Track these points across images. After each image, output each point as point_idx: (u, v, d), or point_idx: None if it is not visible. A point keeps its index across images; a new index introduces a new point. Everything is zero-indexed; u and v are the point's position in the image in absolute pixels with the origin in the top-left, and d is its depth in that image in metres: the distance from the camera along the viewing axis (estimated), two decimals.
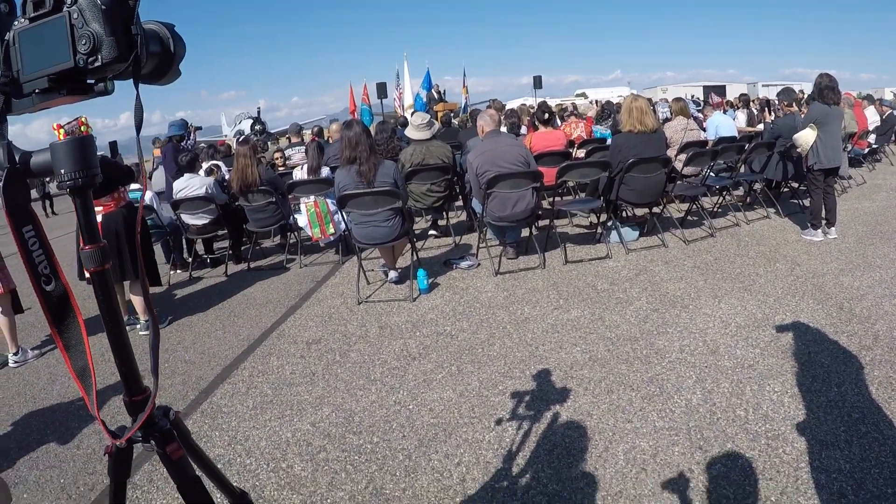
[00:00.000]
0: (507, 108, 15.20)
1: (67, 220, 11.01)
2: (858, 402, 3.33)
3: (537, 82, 28.31)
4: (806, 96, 12.14)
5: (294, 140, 12.55)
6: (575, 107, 18.96)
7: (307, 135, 14.04)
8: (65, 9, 1.03)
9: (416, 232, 7.81)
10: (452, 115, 17.80)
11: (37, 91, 1.08)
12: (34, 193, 29.84)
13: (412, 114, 10.50)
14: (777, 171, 8.21)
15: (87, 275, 1.16)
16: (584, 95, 46.00)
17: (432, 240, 8.12)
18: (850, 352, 3.96)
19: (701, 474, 2.85)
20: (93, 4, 1.01)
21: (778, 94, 9.10)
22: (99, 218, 5.09)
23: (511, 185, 6.11)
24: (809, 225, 6.85)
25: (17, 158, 1.12)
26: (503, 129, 8.65)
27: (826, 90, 6.58)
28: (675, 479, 2.84)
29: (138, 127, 1.09)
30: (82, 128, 1.14)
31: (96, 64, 1.02)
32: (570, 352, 4.30)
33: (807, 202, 7.36)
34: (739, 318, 4.66)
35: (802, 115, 7.44)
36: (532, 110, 13.02)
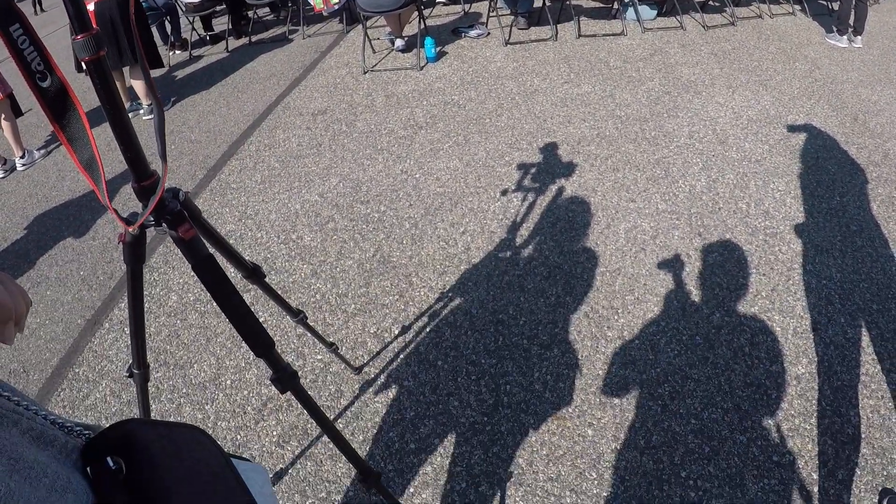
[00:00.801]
0: None
1: (58, 15, 10.22)
2: (858, 216, 3.38)
3: None
4: None
5: None
6: None
7: None
8: None
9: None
10: None
11: None
12: None
13: None
14: None
15: (84, 66, 1.05)
16: None
17: (440, 7, 7.66)
18: (857, 164, 3.95)
19: (697, 260, 2.94)
20: None
21: None
22: (91, 7, 4.79)
23: None
24: (835, 29, 6.55)
25: None
26: None
27: None
28: (672, 262, 2.93)
29: None
30: None
31: None
32: (578, 127, 4.24)
33: (836, 5, 6.97)
34: (752, 112, 4.57)
35: None
36: None
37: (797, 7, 7.66)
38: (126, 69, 5.46)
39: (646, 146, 3.99)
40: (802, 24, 7.13)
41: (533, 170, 3.73)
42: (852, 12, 6.40)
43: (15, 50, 1.04)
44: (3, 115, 5.00)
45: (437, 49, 5.83)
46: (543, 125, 4.28)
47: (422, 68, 5.59)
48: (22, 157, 5.18)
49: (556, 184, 3.56)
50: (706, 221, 3.22)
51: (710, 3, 7.35)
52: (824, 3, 8.06)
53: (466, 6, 7.45)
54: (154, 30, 7.29)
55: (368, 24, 6.04)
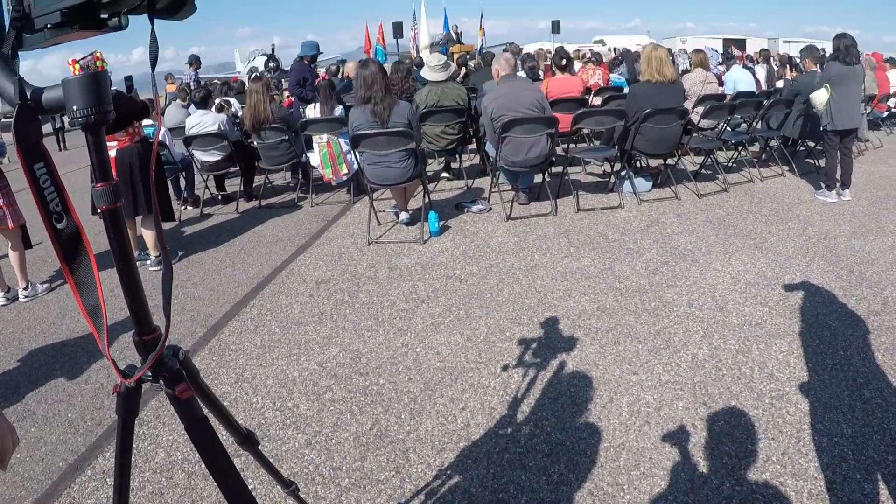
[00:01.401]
0: (524, 52, 14.92)
1: (80, 155, 10.93)
2: (864, 367, 3.34)
3: (555, 27, 27.73)
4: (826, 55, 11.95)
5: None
6: (593, 53, 18.65)
7: (321, 73, 13.90)
8: None
9: (429, 174, 7.74)
10: (468, 56, 17.56)
11: (49, 26, 1.03)
12: (47, 128, 29.81)
13: (429, 53, 10.34)
14: (794, 129, 8.10)
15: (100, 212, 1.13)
16: (602, 42, 45.03)
17: (444, 182, 8.07)
18: (858, 316, 3.96)
19: (703, 430, 2.88)
20: None
21: (801, 51, 8.92)
22: (113, 153, 5.09)
23: (526, 130, 6.04)
24: (824, 185, 6.80)
25: (28, 95, 1.08)
26: (521, 73, 8.53)
27: (843, 50, 6.45)
28: (677, 434, 2.87)
29: (153, 63, 1.05)
30: (97, 62, 1.10)
31: None
32: (578, 300, 4.31)
33: (822, 162, 7.28)
34: (749, 275, 4.65)
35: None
36: (549, 55, 12.81)
37: (786, 168, 8.00)
38: (139, 218, 5.66)
39: (646, 317, 4.03)
40: (792, 185, 7.39)
41: (534, 345, 3.76)
42: (838, 167, 6.65)
43: (36, 188, 1.10)
44: (12, 245, 5.12)
45: (441, 223, 6.08)
46: (544, 299, 4.36)
47: (425, 242, 5.79)
48: (25, 289, 5.24)
49: (558, 358, 3.58)
50: (710, 389, 3.19)
51: (703, 171, 7.67)
52: (811, 161, 8.42)
53: (469, 181, 7.84)
54: (169, 184, 7.66)
55: (375, 196, 6.30)
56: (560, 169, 7.14)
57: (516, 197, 6.72)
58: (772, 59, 14.68)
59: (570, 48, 19.42)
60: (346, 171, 7.11)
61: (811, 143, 8.68)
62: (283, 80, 15.28)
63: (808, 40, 31.11)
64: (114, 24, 1.06)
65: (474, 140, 8.67)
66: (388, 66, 8.01)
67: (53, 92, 1.08)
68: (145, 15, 1.04)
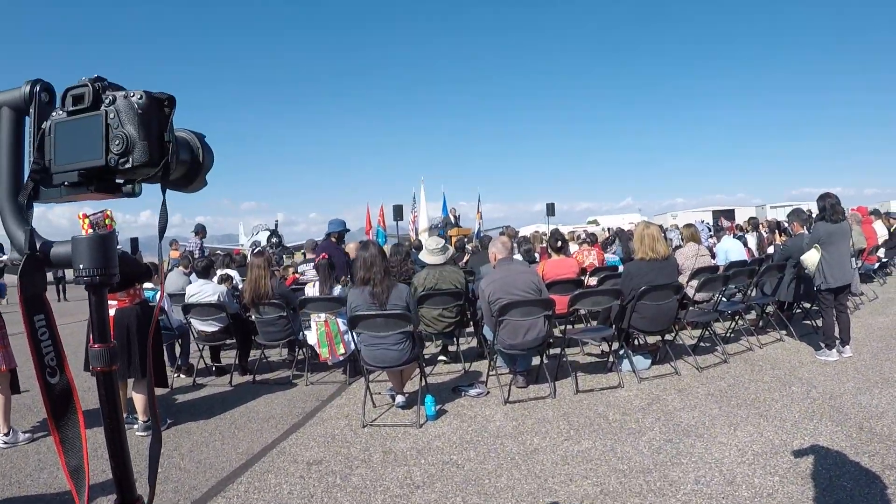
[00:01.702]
0: (521, 234, 15.38)
1: (79, 308, 10.96)
2: None
3: (550, 209, 28.75)
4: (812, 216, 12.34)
5: (309, 256, 12.65)
6: (588, 234, 19.20)
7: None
8: (102, 107, 1.05)
9: (426, 356, 7.74)
10: (466, 240, 18.08)
11: (66, 183, 1.09)
12: (49, 276, 30.61)
13: (427, 236, 10.65)
14: (789, 293, 8.21)
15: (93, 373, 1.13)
16: (595, 222, 46.53)
17: (442, 365, 8.03)
18: (872, 473, 3.83)
19: None
20: (129, 107, 1.04)
21: (788, 215, 9.23)
22: (112, 312, 5.13)
23: (523, 313, 6.11)
24: (823, 345, 6.79)
25: (38, 246, 1.12)
26: (518, 256, 8.74)
27: (829, 209, 6.70)
28: None
29: (162, 232, 1.10)
30: (107, 221, 1.15)
31: (127, 165, 1.04)
32: (580, 485, 4.16)
33: (820, 322, 7.32)
34: (756, 446, 4.52)
35: None
36: (545, 237, 13.18)
37: (784, 332, 8.00)
38: (130, 380, 5.56)
39: (652, 498, 3.88)
40: (792, 348, 7.37)
41: None
42: (836, 325, 6.66)
43: (34, 339, 1.09)
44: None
45: (437, 407, 5.95)
46: (544, 485, 4.20)
47: (421, 426, 5.65)
48: (6, 435, 5.04)
49: None
50: None
51: (702, 344, 7.66)
52: (808, 322, 8.43)
53: (467, 364, 7.77)
54: (164, 350, 7.50)
55: (371, 377, 6.20)
56: (558, 350, 7.12)
57: (514, 380, 6.65)
58: (760, 226, 15.11)
59: (564, 229, 19.99)
60: (343, 350, 7.10)
61: (807, 305, 8.77)
62: (284, 257, 15.60)
63: (794, 203, 32.10)
64: (128, 191, 1.12)
65: (472, 323, 8.74)
66: (387, 248, 8.23)
67: (62, 247, 1.12)
68: (157, 184, 1.11)
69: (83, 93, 1.07)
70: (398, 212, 25.56)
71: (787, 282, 8.13)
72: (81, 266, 1.09)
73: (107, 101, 1.06)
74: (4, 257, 1.12)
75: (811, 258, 6.69)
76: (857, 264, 9.21)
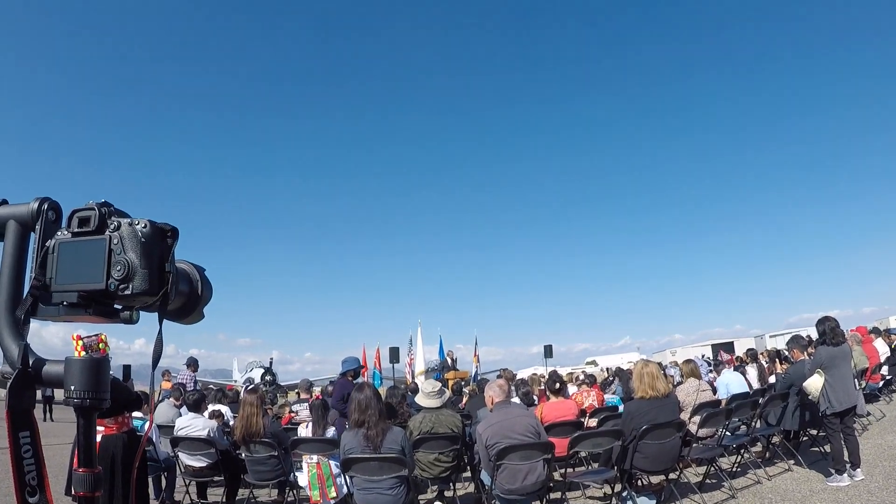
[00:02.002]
0: (518, 377, 15.27)
1: (63, 430, 10.56)
2: None
3: (548, 351, 28.65)
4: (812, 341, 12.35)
5: (303, 396, 12.53)
6: (586, 375, 19.08)
7: (316, 392, 14.18)
8: (107, 232, 1.08)
9: (422, 502, 7.46)
10: (463, 383, 17.90)
11: (65, 303, 1.10)
12: (38, 394, 29.59)
13: (424, 379, 10.58)
14: (794, 421, 8.10)
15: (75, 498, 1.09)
16: (594, 363, 46.33)
17: None
18: None
19: None
20: (133, 234, 1.07)
21: (787, 343, 9.25)
22: (98, 438, 4.96)
23: (521, 457, 5.98)
24: (834, 471, 6.64)
25: (30, 362, 1.10)
26: (516, 398, 8.65)
27: (828, 332, 6.74)
28: None
29: (155, 362, 1.11)
30: (101, 345, 1.15)
31: (126, 292, 1.05)
32: None
33: (828, 448, 7.16)
34: None
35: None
36: (543, 379, 13.09)
37: (792, 462, 7.82)
38: None
39: None
40: (801, 477, 7.19)
41: None
42: (844, 449, 6.53)
43: (16, 456, 1.04)
44: None
45: None
46: None
47: None
48: None
49: None
50: None
51: (707, 481, 7.46)
52: (816, 449, 8.24)
53: None
54: (150, 482, 7.23)
55: None
56: (559, 495, 6.93)
57: None
58: (760, 356, 15.07)
59: (563, 371, 19.84)
60: (334, 494, 6.79)
61: (813, 431, 8.61)
62: (277, 395, 15.52)
63: (793, 330, 32.05)
64: (125, 317, 1.12)
65: (469, 468, 8.50)
66: (382, 391, 8.12)
67: (55, 366, 1.11)
68: (154, 313, 1.12)
69: (89, 216, 1.11)
70: (394, 354, 25.52)
71: (792, 410, 8.03)
72: (73, 388, 1.07)
73: (112, 226, 1.09)
74: None
75: (815, 383, 6.68)
76: (860, 385, 9.13)
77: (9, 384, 1.07)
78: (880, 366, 12.20)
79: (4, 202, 1.21)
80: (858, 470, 6.61)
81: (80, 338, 1.11)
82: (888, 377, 12.73)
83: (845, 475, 6.55)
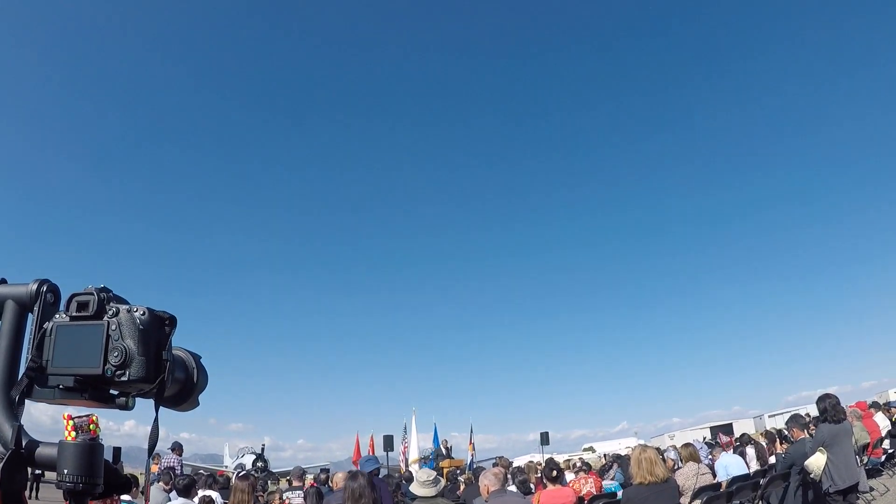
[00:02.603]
0: (514, 465, 15.03)
1: None
2: None
3: (544, 438, 28.33)
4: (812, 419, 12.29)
5: (296, 483, 12.27)
6: (583, 462, 18.79)
7: (309, 480, 13.89)
8: (105, 318, 1.09)
9: None
10: (458, 471, 17.58)
11: (60, 386, 1.10)
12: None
13: (418, 467, 10.43)
14: (796, 501, 7.98)
15: None
16: (591, 449, 45.62)
17: None
18: None
19: None
20: (132, 321, 1.08)
21: (786, 422, 9.19)
22: None
23: None
24: None
25: (23, 444, 1.10)
26: (512, 487, 8.51)
27: (829, 410, 6.69)
28: None
29: (151, 448, 1.10)
30: (91, 426, 1.14)
31: (123, 378, 1.06)
32: None
33: None
34: None
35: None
36: (540, 467, 12.90)
37: None
38: None
39: None
40: None
41: None
42: None
43: None
44: None
45: None
46: None
47: None
48: None
49: None
50: None
51: None
52: None
53: None
54: None
55: None
56: None
57: None
58: (757, 435, 14.92)
59: (560, 458, 19.53)
60: None
61: None
62: (269, 482, 15.25)
63: (792, 409, 31.77)
64: (121, 403, 1.13)
65: None
66: None
67: (48, 449, 1.10)
68: (151, 400, 1.12)
69: (88, 301, 1.12)
70: (388, 442, 25.12)
71: (794, 489, 7.92)
72: (66, 471, 1.06)
73: (110, 312, 1.10)
74: None
75: (817, 462, 6.61)
76: (862, 461, 9.02)
77: (2, 465, 1.06)
78: (881, 440, 12.12)
79: (3, 281, 1.22)
80: None
81: (70, 417, 1.12)
82: (890, 451, 12.62)
83: None
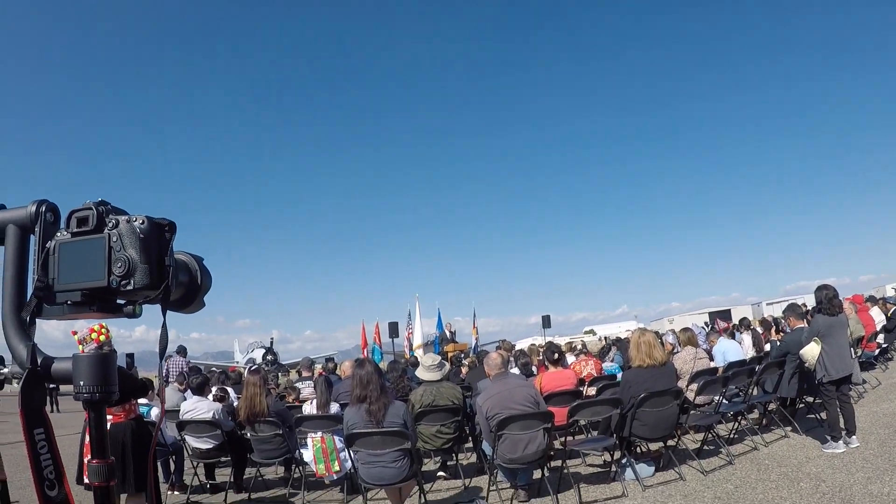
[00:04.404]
0: (517, 348, 15.35)
1: (71, 420, 10.57)
2: None
3: (546, 321, 28.76)
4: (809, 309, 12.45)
5: (305, 374, 12.58)
6: (584, 345, 19.17)
7: (318, 369, 14.31)
8: (106, 231, 1.12)
9: (425, 473, 7.57)
10: (462, 355, 17.96)
11: (69, 302, 1.14)
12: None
13: (423, 352, 10.65)
14: (790, 388, 8.19)
15: (86, 480, 1.16)
16: (592, 332, 46.44)
17: (441, 481, 7.86)
18: None
19: None
20: (132, 231, 1.11)
21: (783, 311, 9.32)
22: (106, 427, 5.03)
23: (521, 427, 6.08)
24: (829, 438, 6.75)
25: (39, 362, 1.16)
26: (514, 369, 8.74)
27: (826, 301, 6.79)
28: None
29: (162, 352, 1.15)
30: (93, 335, 1.19)
31: (128, 287, 1.10)
32: None
33: (824, 415, 7.28)
34: None
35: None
36: (541, 350, 13.16)
37: (788, 428, 7.94)
38: (123, 496, 5.36)
39: None
40: (797, 444, 7.31)
41: None
42: (840, 416, 6.64)
43: (33, 452, 1.11)
44: None
45: None
46: None
47: None
48: None
49: None
50: None
51: (705, 447, 7.56)
52: (813, 416, 8.38)
53: (467, 480, 7.58)
54: (158, 466, 7.41)
55: (369, 495, 6.05)
56: (559, 463, 7.02)
57: (516, 494, 6.52)
58: (754, 322, 15.15)
59: (561, 340, 19.96)
60: (338, 468, 6.94)
61: (809, 399, 8.73)
62: (279, 374, 15.63)
63: (790, 298, 32.15)
64: (128, 312, 1.18)
65: (471, 438, 8.63)
66: (383, 365, 8.18)
67: (63, 364, 1.17)
68: (157, 305, 1.17)
69: (87, 215, 1.15)
70: (394, 329, 25.57)
71: (788, 377, 8.12)
72: (82, 383, 1.12)
73: (110, 224, 1.13)
74: (5, 370, 1.14)
75: (811, 352, 6.76)
76: (856, 353, 9.24)
77: (21, 384, 1.13)
78: (876, 334, 12.34)
79: (2, 207, 1.25)
80: (854, 437, 6.72)
81: (74, 333, 1.17)
82: (884, 345, 12.89)
83: (840, 442, 6.66)
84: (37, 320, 1.19)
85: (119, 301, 1.17)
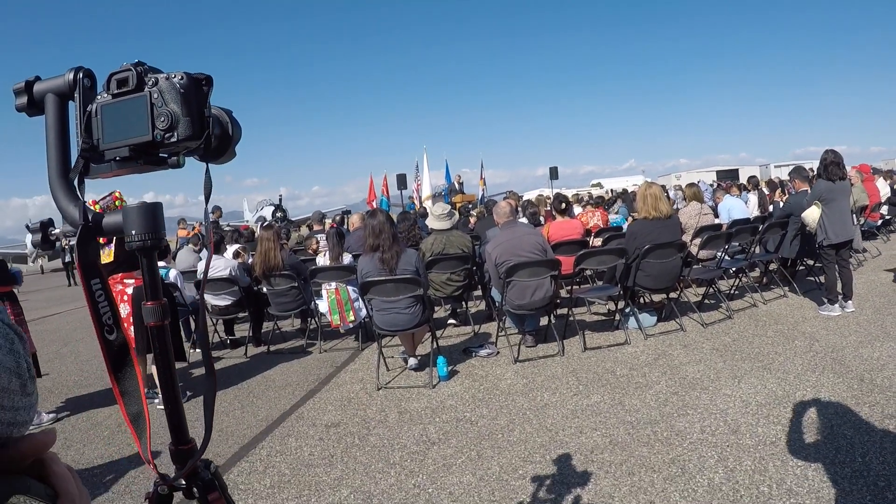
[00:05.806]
0: (525, 199, 15.43)
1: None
2: (883, 471, 3.34)
3: (553, 173, 28.64)
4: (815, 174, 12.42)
5: (316, 227, 12.72)
6: (591, 196, 19.25)
7: (328, 222, 14.50)
8: (146, 89, 1.14)
9: (436, 320, 7.85)
10: (471, 206, 18.07)
11: (117, 158, 1.18)
12: (57, 263, 30.12)
13: (432, 203, 10.70)
14: (791, 249, 8.29)
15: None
16: (599, 185, 46.39)
17: (452, 328, 8.18)
18: (872, 422, 3.96)
19: None
20: (172, 87, 1.13)
21: (789, 173, 9.28)
22: (130, 290, 5.22)
23: (529, 274, 6.22)
24: (826, 300, 6.89)
25: (90, 218, 1.19)
26: (523, 219, 8.83)
27: (830, 166, 6.74)
28: None
29: (207, 198, 1.21)
30: (116, 202, 1.23)
31: (172, 139, 1.13)
32: (590, 436, 4.29)
33: (822, 278, 7.42)
34: (760, 397, 4.65)
35: None
36: (549, 200, 13.25)
37: (787, 288, 8.11)
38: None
39: (659, 447, 4.01)
40: (795, 304, 7.48)
41: (548, 481, 3.72)
42: (838, 280, 6.77)
43: (92, 301, 1.18)
44: None
45: (449, 368, 6.08)
46: (555, 437, 4.34)
47: (434, 386, 5.79)
48: None
49: (572, 493, 3.54)
50: None
51: (706, 301, 7.77)
52: (812, 278, 8.55)
53: (476, 327, 7.91)
54: (180, 325, 7.70)
55: (383, 342, 6.31)
56: (565, 310, 7.25)
57: (523, 340, 6.81)
58: (762, 183, 15.16)
59: (568, 192, 20.01)
60: (352, 318, 7.21)
61: (809, 261, 8.88)
62: (290, 230, 15.82)
63: (797, 162, 31.93)
64: (172, 163, 1.22)
65: (480, 286, 8.88)
66: (393, 216, 8.27)
67: (111, 217, 1.21)
68: (172, 163, 1.21)
69: (127, 76, 1.16)
70: (402, 181, 25.43)
71: (790, 238, 8.21)
72: (133, 232, 1.17)
73: (150, 82, 1.14)
74: (56, 230, 1.17)
75: (812, 215, 6.78)
76: (859, 221, 9.29)
77: (76, 241, 1.17)
78: (880, 205, 12.34)
79: (38, 78, 1.24)
80: (850, 302, 6.86)
81: (95, 202, 1.19)
82: (887, 217, 12.92)
83: (836, 306, 6.81)
84: (85, 180, 1.23)
85: (162, 154, 1.20)
